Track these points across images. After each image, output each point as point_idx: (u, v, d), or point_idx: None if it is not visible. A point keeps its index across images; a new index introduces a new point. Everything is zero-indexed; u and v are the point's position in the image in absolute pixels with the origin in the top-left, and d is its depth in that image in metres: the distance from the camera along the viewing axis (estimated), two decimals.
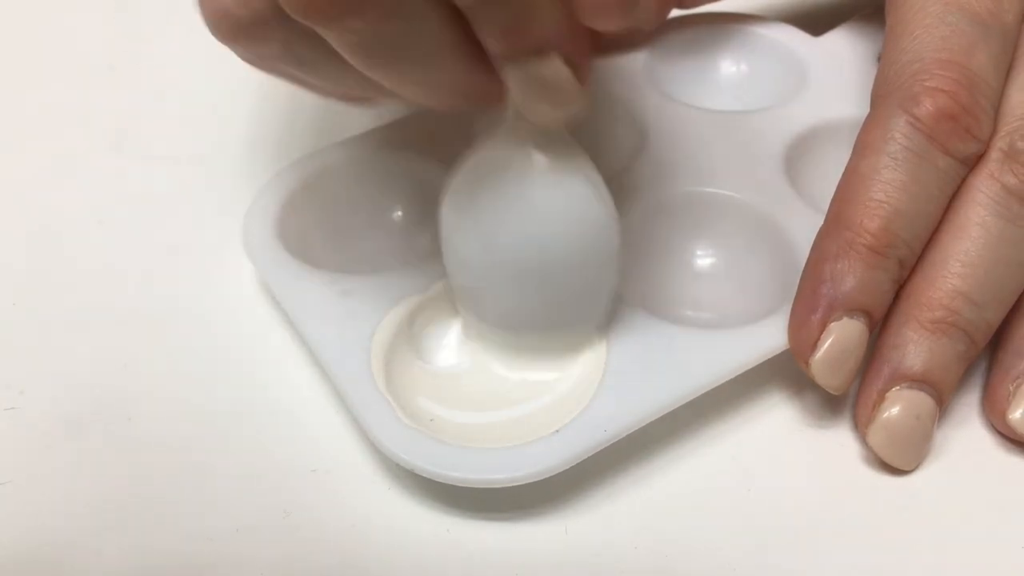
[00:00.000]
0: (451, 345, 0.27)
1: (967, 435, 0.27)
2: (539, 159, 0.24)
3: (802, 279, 0.26)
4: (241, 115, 0.35)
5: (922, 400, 0.25)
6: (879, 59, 0.29)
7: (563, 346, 0.26)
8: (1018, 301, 0.27)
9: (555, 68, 0.21)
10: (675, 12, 0.35)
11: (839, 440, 0.26)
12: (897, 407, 0.25)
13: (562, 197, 0.24)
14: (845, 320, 0.25)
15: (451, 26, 0.21)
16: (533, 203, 0.24)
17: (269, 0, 0.21)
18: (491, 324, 0.26)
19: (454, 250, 0.25)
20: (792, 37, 0.35)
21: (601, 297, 0.26)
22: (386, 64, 0.21)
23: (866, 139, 0.27)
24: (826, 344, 0.25)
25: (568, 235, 0.24)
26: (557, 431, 0.24)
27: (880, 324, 0.26)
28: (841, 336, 0.25)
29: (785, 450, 0.26)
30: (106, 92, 0.37)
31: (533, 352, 0.26)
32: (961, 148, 0.26)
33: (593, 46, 0.22)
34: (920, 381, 0.25)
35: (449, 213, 0.25)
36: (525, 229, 0.24)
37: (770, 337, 0.26)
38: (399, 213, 0.31)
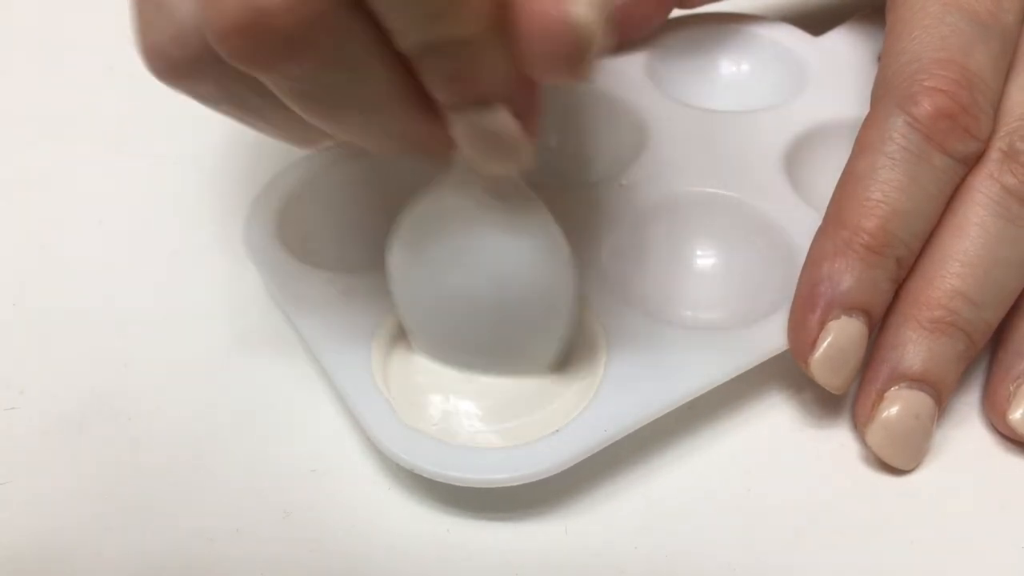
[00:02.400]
0: None
1: (967, 435, 0.27)
2: (486, 210, 0.23)
3: (800, 279, 0.26)
4: None
5: (921, 400, 0.25)
6: (879, 59, 0.29)
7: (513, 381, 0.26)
8: (1018, 301, 0.27)
9: (501, 119, 0.20)
10: (675, 12, 0.35)
11: (839, 440, 0.26)
12: (896, 407, 0.25)
13: (510, 248, 0.24)
14: (844, 319, 0.25)
15: (396, 73, 0.20)
16: (479, 255, 0.24)
17: (205, 41, 0.19)
18: (440, 360, 0.26)
19: (403, 295, 0.25)
20: (792, 37, 0.35)
21: (552, 344, 0.25)
22: (328, 111, 0.21)
23: (864, 139, 0.27)
24: (825, 343, 0.25)
25: (515, 287, 0.24)
26: (557, 431, 0.24)
27: (880, 324, 0.26)
28: (840, 335, 0.25)
29: (785, 450, 0.26)
30: (106, 92, 0.37)
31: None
32: (959, 147, 0.26)
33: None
34: (919, 381, 0.25)
35: (397, 259, 0.25)
36: (471, 280, 0.24)
37: (770, 337, 0.26)
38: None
